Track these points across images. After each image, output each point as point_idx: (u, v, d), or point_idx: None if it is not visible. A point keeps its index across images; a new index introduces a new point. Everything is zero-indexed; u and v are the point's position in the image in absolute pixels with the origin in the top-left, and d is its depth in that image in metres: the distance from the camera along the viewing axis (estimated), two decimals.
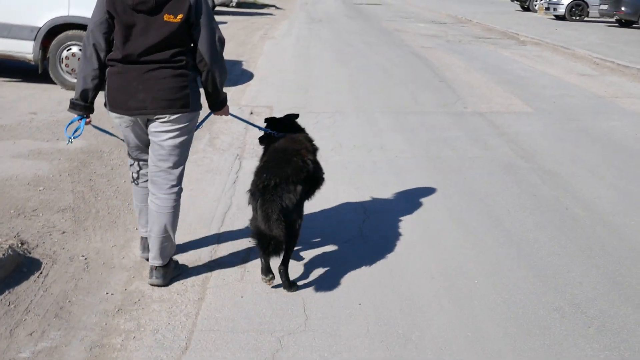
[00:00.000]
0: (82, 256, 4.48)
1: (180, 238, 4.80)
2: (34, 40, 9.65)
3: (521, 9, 35.26)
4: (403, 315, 3.96)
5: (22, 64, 10.30)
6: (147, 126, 3.93)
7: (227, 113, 4.28)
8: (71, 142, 4.14)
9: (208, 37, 3.80)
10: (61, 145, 6.94)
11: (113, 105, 3.89)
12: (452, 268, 4.60)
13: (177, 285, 4.18)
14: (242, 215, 5.35)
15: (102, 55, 3.79)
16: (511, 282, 4.41)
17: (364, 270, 4.51)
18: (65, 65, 9.77)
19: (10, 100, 8.89)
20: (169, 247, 4.10)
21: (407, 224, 5.36)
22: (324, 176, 4.43)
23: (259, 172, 3.96)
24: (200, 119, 4.16)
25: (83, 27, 9.63)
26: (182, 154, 3.99)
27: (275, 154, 4.12)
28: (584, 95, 11.30)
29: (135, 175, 4.20)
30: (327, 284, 4.29)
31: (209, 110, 4.27)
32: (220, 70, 3.91)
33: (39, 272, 4.22)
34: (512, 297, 4.23)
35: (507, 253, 4.87)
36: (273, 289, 4.18)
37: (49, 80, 9.88)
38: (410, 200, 5.91)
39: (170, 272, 4.17)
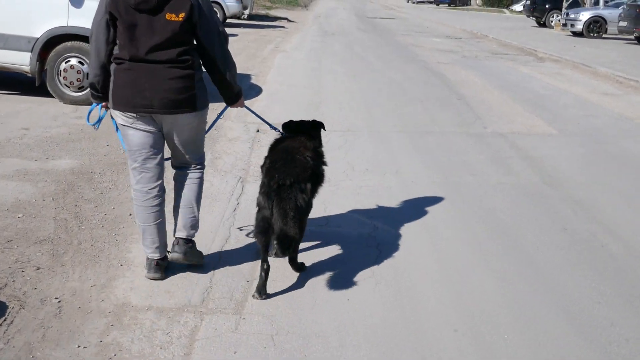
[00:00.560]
0: (56, 298, 3.93)
1: (169, 277, 4.26)
2: (31, 51, 9.17)
3: (537, 25, 34.68)
4: None
5: (20, 76, 9.81)
6: (154, 125, 3.97)
7: (242, 105, 4.37)
8: (96, 128, 4.40)
9: (212, 34, 3.89)
10: (50, 165, 6.42)
11: (116, 102, 3.90)
12: (478, 318, 4.01)
13: (161, 336, 3.62)
14: (241, 248, 4.80)
15: (103, 54, 3.86)
16: (548, 339, 3.82)
17: (375, 321, 3.93)
18: (64, 78, 9.28)
19: (3, 115, 8.39)
20: (192, 220, 4.23)
21: (424, 261, 4.79)
22: (324, 172, 4.52)
23: (269, 173, 4.04)
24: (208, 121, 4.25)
25: (83, 38, 9.17)
26: (197, 146, 4.18)
27: (279, 153, 4.24)
28: (609, 115, 10.71)
29: (135, 182, 4.15)
30: (332, 337, 3.72)
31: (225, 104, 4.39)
32: (229, 65, 4.03)
33: (3, 318, 3.66)
34: (550, 356, 3.65)
35: (541, 301, 4.28)
36: (271, 342, 3.61)
37: (48, 94, 9.39)
38: (428, 232, 5.34)
39: (190, 254, 4.25)
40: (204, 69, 4.08)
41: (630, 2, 25.01)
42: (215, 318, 3.84)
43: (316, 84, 12.60)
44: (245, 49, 17.97)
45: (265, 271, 4.05)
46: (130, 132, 3.99)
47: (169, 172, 4.44)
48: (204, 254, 4.59)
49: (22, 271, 4.21)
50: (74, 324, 3.67)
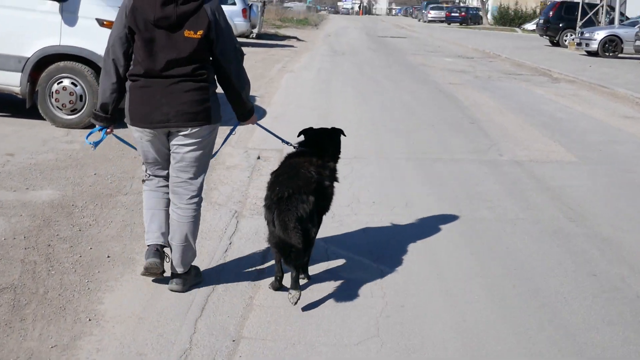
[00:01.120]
0: None
1: (144, 334, 3.72)
2: (22, 71, 8.72)
3: (550, 44, 34.14)
4: None
5: (11, 97, 9.35)
6: (168, 139, 4.03)
7: (254, 122, 4.47)
8: (94, 148, 4.33)
9: (228, 52, 3.96)
10: (29, 196, 5.92)
11: (134, 119, 3.96)
12: None
13: None
14: (230, 298, 4.26)
15: (120, 70, 3.90)
16: None
17: None
18: (56, 100, 8.80)
19: None
20: (190, 255, 4.23)
21: (436, 314, 4.23)
22: (334, 188, 4.61)
23: (272, 186, 4.16)
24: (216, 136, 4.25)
25: (76, 58, 8.71)
26: (202, 165, 4.15)
27: (284, 168, 4.34)
28: (633, 141, 10.13)
29: (149, 179, 4.28)
30: None
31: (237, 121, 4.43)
32: (243, 82, 4.10)
33: None
34: None
35: None
36: None
37: (39, 116, 8.92)
38: (440, 278, 4.78)
39: (190, 280, 4.27)
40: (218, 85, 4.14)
41: None
42: None
43: (323, 106, 12.09)
44: (251, 69, 17.48)
45: (279, 279, 4.31)
46: (146, 147, 4.08)
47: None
48: (186, 309, 4.06)
49: None
50: None
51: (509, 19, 61.98)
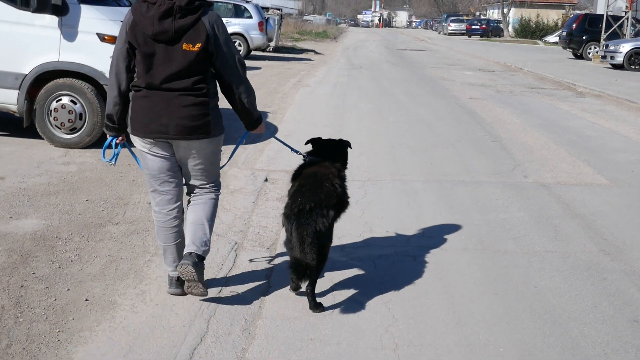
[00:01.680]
0: None
1: None
2: (19, 89, 8.32)
3: (574, 57, 33.43)
4: None
5: (11, 115, 8.89)
6: (171, 151, 4.08)
7: (262, 130, 4.44)
8: (113, 165, 4.42)
9: (229, 63, 3.98)
10: (11, 226, 5.45)
11: (135, 128, 4.02)
12: None
13: None
14: (219, 353, 3.72)
15: (123, 83, 3.97)
16: None
17: None
18: (54, 118, 8.36)
19: None
20: (203, 237, 4.15)
21: None
22: (349, 200, 4.60)
23: (294, 196, 4.14)
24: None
25: (75, 74, 8.27)
26: (211, 171, 4.24)
27: (307, 178, 4.27)
28: None
29: (155, 204, 4.26)
30: None
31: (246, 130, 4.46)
32: (247, 91, 4.11)
33: None
34: None
35: None
36: None
37: (39, 135, 8.48)
38: (460, 325, 4.22)
39: (201, 272, 4.09)
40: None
41: None
42: None
43: (338, 123, 11.57)
44: (265, 84, 17.07)
45: (308, 293, 4.20)
46: (148, 157, 4.09)
47: None
48: (172, 358, 3.54)
49: None
50: None
51: (530, 32, 61.29)
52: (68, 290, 4.36)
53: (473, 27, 67.22)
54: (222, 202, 6.54)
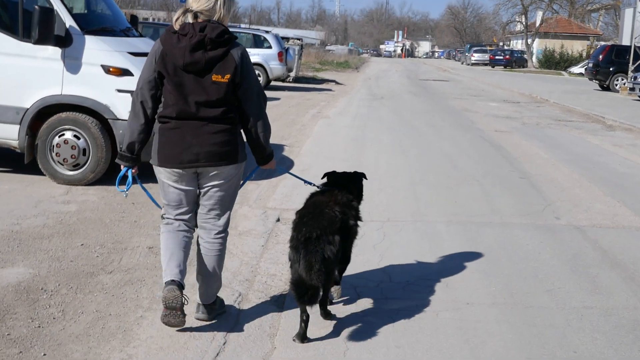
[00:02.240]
0: None
1: None
2: (20, 124, 7.93)
3: (600, 89, 32.75)
4: None
5: (14, 151, 8.45)
6: (195, 179, 4.14)
7: (273, 166, 4.48)
8: (126, 195, 4.41)
9: (252, 96, 4.06)
10: None
11: (164, 160, 4.05)
12: None
13: None
14: None
15: (149, 111, 4.03)
16: None
17: None
18: (56, 154, 7.94)
19: None
20: (216, 287, 4.37)
21: None
22: (358, 228, 4.61)
23: (297, 227, 4.16)
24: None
25: (79, 108, 7.86)
26: (228, 202, 4.27)
27: (308, 208, 4.35)
28: None
29: (165, 223, 4.29)
30: None
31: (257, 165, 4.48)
32: (264, 126, 4.17)
33: None
34: None
35: None
36: None
37: (41, 172, 8.06)
38: None
39: (216, 310, 4.42)
40: None
41: None
42: None
43: (356, 157, 11.06)
44: (284, 115, 16.65)
45: (305, 321, 4.15)
46: (170, 189, 4.15)
47: None
48: None
49: None
50: None
51: (554, 62, 60.74)
52: (44, 355, 3.85)
53: (496, 57, 66.66)
54: (229, 245, 5.97)
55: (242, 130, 4.20)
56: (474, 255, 6.13)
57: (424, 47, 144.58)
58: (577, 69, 52.40)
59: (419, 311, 4.81)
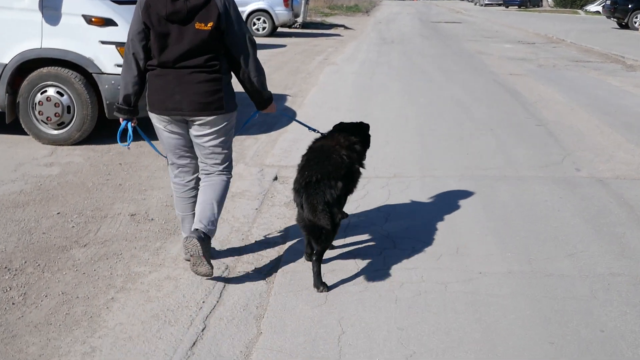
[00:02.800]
0: None
1: None
2: None
3: (618, 27, 31.59)
4: None
5: None
6: (187, 127, 4.17)
7: (273, 110, 4.47)
8: (129, 148, 4.45)
9: (239, 41, 4.05)
10: None
11: (152, 105, 4.11)
12: None
13: None
14: None
15: (141, 63, 4.04)
16: None
17: None
18: (39, 112, 7.41)
19: None
20: (211, 217, 4.19)
21: None
22: (362, 169, 4.53)
23: (301, 170, 4.18)
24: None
25: (61, 62, 7.30)
26: (224, 150, 4.26)
27: (314, 152, 4.34)
28: None
29: (174, 176, 4.40)
30: None
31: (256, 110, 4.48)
32: (256, 70, 4.15)
33: None
34: None
35: None
36: None
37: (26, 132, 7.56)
38: None
39: (207, 249, 4.08)
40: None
41: None
42: None
43: (363, 106, 10.45)
44: (289, 63, 15.98)
45: (310, 254, 4.35)
46: (164, 134, 4.20)
47: None
48: None
49: None
50: None
51: (570, 1, 58.97)
52: None
53: None
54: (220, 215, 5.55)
55: (232, 79, 4.19)
56: (488, 215, 5.60)
57: None
58: (593, 7, 50.86)
59: (425, 284, 4.30)
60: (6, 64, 7.32)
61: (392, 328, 3.74)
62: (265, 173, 6.76)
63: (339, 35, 25.95)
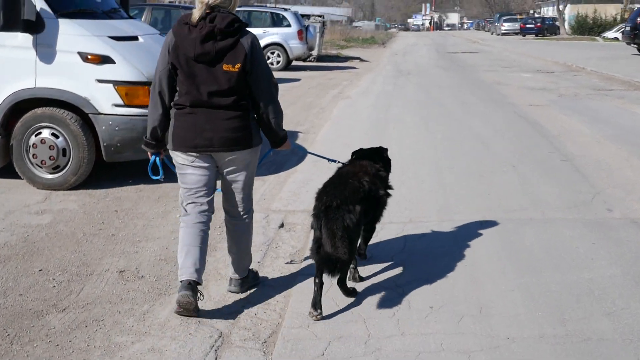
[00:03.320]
0: None
1: None
2: None
3: (639, 53, 31.05)
4: None
5: None
6: (212, 164, 4.22)
7: (288, 147, 4.54)
8: (162, 180, 4.53)
9: (262, 83, 4.13)
10: None
11: (178, 143, 4.13)
12: None
13: None
14: None
15: (166, 100, 4.15)
16: None
17: None
18: (34, 155, 7.01)
19: None
20: (247, 261, 4.54)
21: None
22: (387, 198, 4.71)
23: (320, 196, 4.27)
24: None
25: (56, 102, 6.93)
26: (248, 185, 4.37)
27: (333, 178, 4.47)
28: None
29: (188, 213, 4.29)
30: None
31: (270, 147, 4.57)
32: (275, 112, 4.24)
33: None
34: None
35: None
36: None
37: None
38: None
39: (248, 282, 4.58)
40: None
41: None
42: None
43: (377, 142, 9.69)
44: (302, 97, 15.59)
45: (318, 286, 4.15)
46: (188, 170, 4.21)
47: None
48: None
49: None
50: None
51: (587, 28, 58.62)
52: None
53: (527, 25, 64.56)
54: (218, 263, 5.07)
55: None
56: (514, 266, 5.06)
57: (453, 18, 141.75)
58: (611, 34, 50.42)
59: (445, 353, 3.76)
60: None
61: None
62: (270, 219, 6.28)
63: (354, 68, 25.63)
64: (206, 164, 4.19)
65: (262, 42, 22.18)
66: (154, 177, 4.45)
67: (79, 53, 6.88)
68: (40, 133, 7.02)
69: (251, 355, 3.75)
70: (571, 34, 60.69)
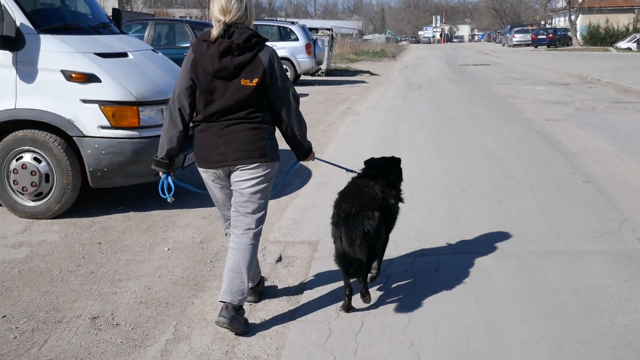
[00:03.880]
0: None
1: None
2: None
3: None
4: None
5: None
6: (229, 178, 4.19)
7: (313, 158, 4.60)
8: (173, 200, 4.40)
9: (283, 97, 4.11)
10: None
11: (199, 160, 4.19)
12: None
13: None
14: None
15: (186, 117, 4.14)
16: None
17: None
18: (14, 181, 6.52)
19: None
20: (240, 286, 4.17)
21: None
22: (398, 207, 4.78)
23: (338, 204, 4.36)
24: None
25: (38, 124, 6.43)
26: (260, 201, 4.23)
27: (349, 187, 4.54)
28: None
29: (226, 227, 4.48)
30: None
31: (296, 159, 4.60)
32: (299, 124, 4.25)
33: None
34: None
35: None
36: None
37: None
38: None
39: (240, 322, 4.15)
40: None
41: None
42: None
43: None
44: (309, 114, 15.04)
45: (348, 295, 4.35)
46: (214, 187, 4.28)
47: None
48: None
49: None
50: None
51: (599, 38, 58.12)
52: None
53: (539, 37, 64.03)
54: (204, 312, 4.52)
55: (275, 130, 4.21)
56: (537, 310, 4.48)
57: (463, 30, 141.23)
58: (624, 44, 49.90)
59: None
60: None
61: None
62: (267, 252, 5.74)
63: (363, 82, 25.13)
64: (227, 183, 4.21)
65: None
66: (164, 197, 4.36)
67: (62, 71, 6.38)
68: (21, 157, 6.53)
69: None
70: (583, 44, 60.11)
